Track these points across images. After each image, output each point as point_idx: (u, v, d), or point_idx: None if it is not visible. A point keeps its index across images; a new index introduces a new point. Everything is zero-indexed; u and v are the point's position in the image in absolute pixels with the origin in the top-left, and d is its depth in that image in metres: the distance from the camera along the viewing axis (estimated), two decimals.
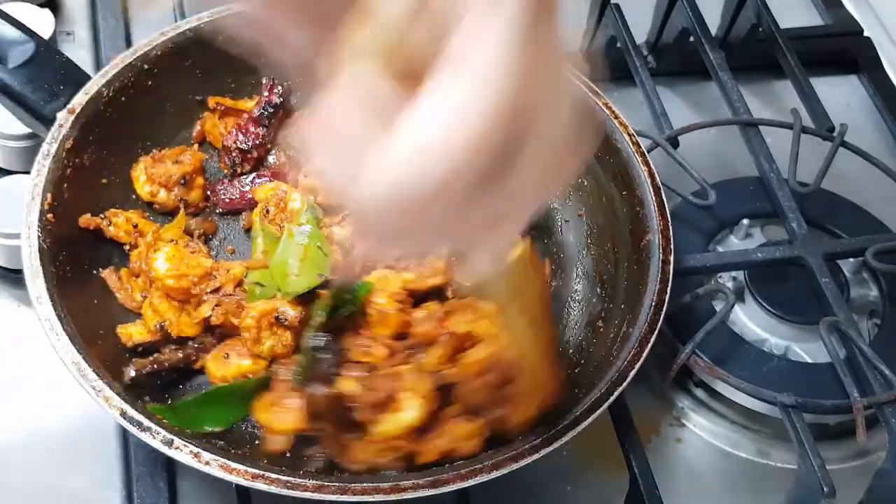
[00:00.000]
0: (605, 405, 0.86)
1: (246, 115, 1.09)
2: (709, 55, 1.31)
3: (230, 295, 0.96)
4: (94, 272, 0.98)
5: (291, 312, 0.93)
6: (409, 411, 0.87)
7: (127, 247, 1.01)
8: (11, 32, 1.01)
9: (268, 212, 1.02)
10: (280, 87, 1.09)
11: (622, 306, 0.99)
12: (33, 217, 0.92)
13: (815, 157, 1.22)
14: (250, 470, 0.79)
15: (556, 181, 0.58)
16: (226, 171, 1.10)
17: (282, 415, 0.90)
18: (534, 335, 0.82)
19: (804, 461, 0.97)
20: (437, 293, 1.00)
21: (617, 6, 1.32)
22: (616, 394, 0.87)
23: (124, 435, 0.99)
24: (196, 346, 0.96)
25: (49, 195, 0.94)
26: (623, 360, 0.90)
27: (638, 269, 0.99)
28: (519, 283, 0.76)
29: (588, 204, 1.10)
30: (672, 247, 0.98)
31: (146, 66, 1.05)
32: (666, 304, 0.94)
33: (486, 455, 0.84)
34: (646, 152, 1.04)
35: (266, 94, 1.09)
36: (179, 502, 0.96)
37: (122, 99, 1.03)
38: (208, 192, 1.08)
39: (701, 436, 1.10)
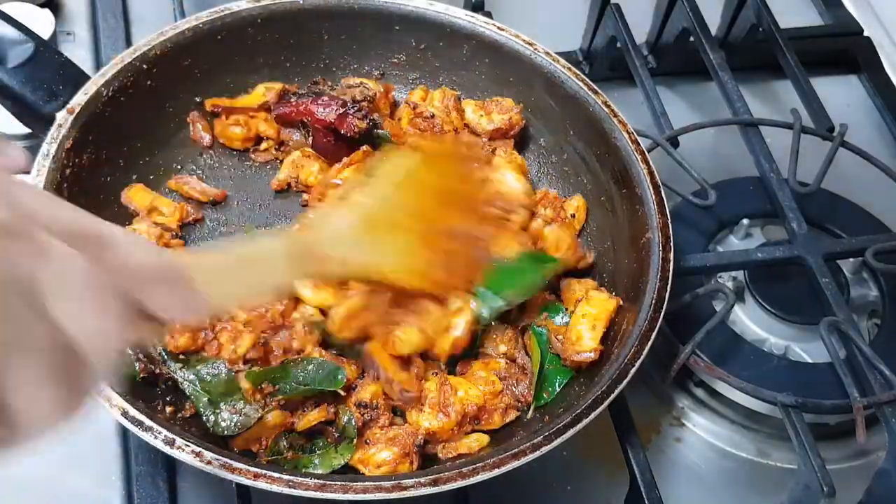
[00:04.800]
0: (606, 403, 0.86)
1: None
2: (709, 55, 1.31)
3: None
4: None
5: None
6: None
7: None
8: (11, 32, 1.01)
9: None
10: None
11: (622, 304, 0.99)
12: None
13: (815, 157, 1.22)
14: (252, 469, 0.79)
15: None
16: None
17: None
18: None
19: (804, 461, 0.97)
20: None
21: (617, 6, 1.32)
22: (617, 391, 0.87)
23: (124, 434, 0.99)
24: None
25: None
26: (623, 358, 0.89)
27: (638, 267, 0.99)
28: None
29: (587, 202, 1.10)
30: (672, 244, 0.98)
31: (145, 66, 1.05)
32: (666, 302, 0.94)
33: (487, 453, 0.84)
34: (645, 151, 1.04)
35: None
36: (179, 502, 0.96)
37: (122, 99, 1.03)
38: None
39: (701, 435, 1.10)
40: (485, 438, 0.93)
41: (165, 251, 0.68)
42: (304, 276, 0.81)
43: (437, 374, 0.95)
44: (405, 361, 0.94)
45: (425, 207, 0.86)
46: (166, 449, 0.80)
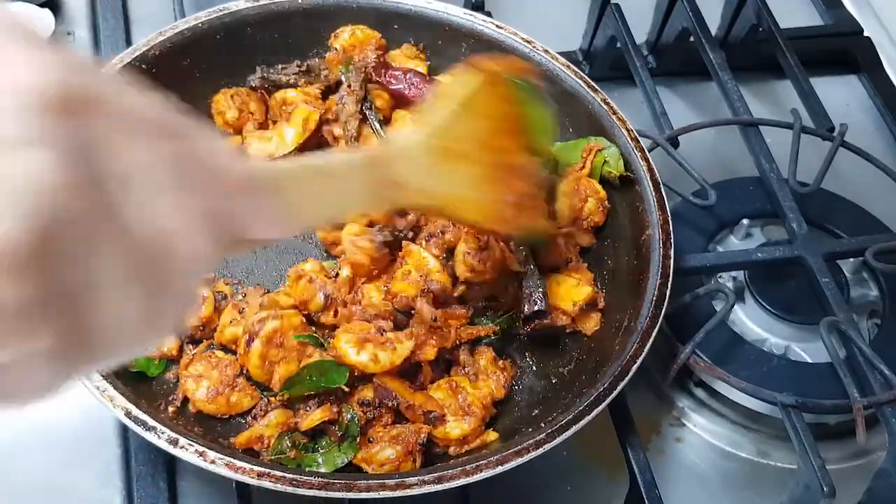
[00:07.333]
0: (608, 399, 0.87)
1: None
2: (709, 55, 1.31)
3: None
4: None
5: None
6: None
7: None
8: None
9: None
10: None
11: (623, 302, 0.99)
12: None
13: (815, 157, 1.22)
14: (256, 468, 0.79)
15: None
16: None
17: None
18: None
19: (804, 461, 0.97)
20: None
21: (617, 6, 1.33)
22: (619, 388, 0.87)
23: (125, 434, 0.99)
24: None
25: None
26: (625, 355, 0.90)
27: (638, 265, 0.99)
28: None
29: None
30: (672, 242, 0.98)
31: (145, 66, 1.05)
32: (667, 299, 0.94)
33: (490, 451, 0.84)
34: (644, 148, 1.05)
35: None
36: (179, 502, 0.96)
37: None
38: None
39: (701, 436, 1.10)
40: (492, 434, 0.93)
41: (248, 156, 0.56)
42: (381, 200, 0.73)
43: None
44: (411, 377, 0.94)
45: (490, 135, 0.81)
46: (170, 448, 0.80)
